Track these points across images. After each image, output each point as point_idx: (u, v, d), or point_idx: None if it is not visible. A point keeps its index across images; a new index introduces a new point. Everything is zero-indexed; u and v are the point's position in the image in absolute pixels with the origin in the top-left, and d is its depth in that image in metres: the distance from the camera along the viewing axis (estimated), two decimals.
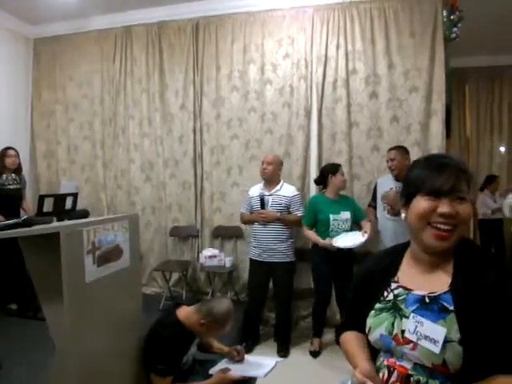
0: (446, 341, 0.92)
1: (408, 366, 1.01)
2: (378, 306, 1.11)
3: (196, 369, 2.29)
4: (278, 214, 3.38)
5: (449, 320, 0.95)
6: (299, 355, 3.39)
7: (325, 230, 3.38)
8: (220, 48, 4.48)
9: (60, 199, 4.25)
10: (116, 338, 1.95)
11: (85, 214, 4.53)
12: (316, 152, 4.16)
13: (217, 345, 2.43)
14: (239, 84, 4.42)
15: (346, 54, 4.05)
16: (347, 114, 4.05)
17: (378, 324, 1.08)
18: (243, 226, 4.24)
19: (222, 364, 2.30)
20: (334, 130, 4.11)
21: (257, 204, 3.46)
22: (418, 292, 1.04)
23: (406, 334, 1.00)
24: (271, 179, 3.50)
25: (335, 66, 4.08)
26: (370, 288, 1.15)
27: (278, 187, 3.50)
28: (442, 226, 0.97)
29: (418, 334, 0.97)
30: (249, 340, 3.47)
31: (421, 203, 1.00)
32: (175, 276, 4.62)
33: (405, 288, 1.07)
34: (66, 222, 2.34)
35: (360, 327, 1.16)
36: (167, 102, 4.70)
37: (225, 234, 4.51)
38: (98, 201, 4.99)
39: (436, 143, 3.88)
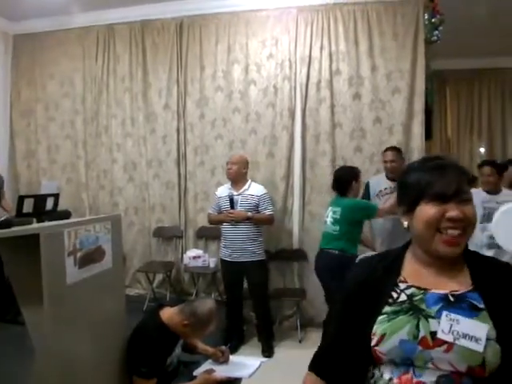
0: (486, 338, 0.87)
1: (430, 379, 0.90)
2: (388, 309, 0.98)
3: (180, 370, 2.28)
4: (249, 213, 3.39)
5: (482, 317, 0.90)
6: (284, 355, 3.39)
7: (357, 238, 3.27)
8: (204, 48, 4.46)
9: (40, 200, 4.16)
10: (99, 341, 1.92)
11: (66, 214, 4.44)
12: (300, 153, 4.18)
13: (201, 346, 2.42)
14: (223, 84, 4.40)
15: (330, 55, 4.08)
16: (331, 115, 4.08)
17: (396, 329, 0.94)
18: None
19: (206, 365, 2.30)
20: (318, 130, 4.13)
21: (225, 204, 3.45)
22: (437, 291, 0.96)
23: (440, 335, 0.90)
24: (237, 179, 3.51)
25: (319, 66, 4.11)
26: (366, 299, 1.02)
27: (246, 187, 3.51)
28: (452, 232, 0.92)
29: (455, 333, 0.88)
30: (233, 340, 3.47)
31: (427, 210, 0.94)
32: (159, 277, 4.58)
33: (418, 288, 0.98)
34: (46, 224, 2.30)
35: (345, 353, 1.04)
36: (150, 102, 4.65)
37: (209, 235, 4.48)
38: (80, 201, 4.91)
39: (417, 144, 3.94)
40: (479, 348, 0.86)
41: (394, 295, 0.99)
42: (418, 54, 3.92)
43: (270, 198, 3.66)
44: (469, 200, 0.95)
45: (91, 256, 1.89)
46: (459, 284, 0.96)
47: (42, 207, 4.14)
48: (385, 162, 3.51)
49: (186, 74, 4.53)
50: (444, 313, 0.92)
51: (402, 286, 1.00)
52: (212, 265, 4.26)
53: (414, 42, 3.91)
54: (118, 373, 2.06)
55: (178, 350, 2.23)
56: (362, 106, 4.03)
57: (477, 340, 0.86)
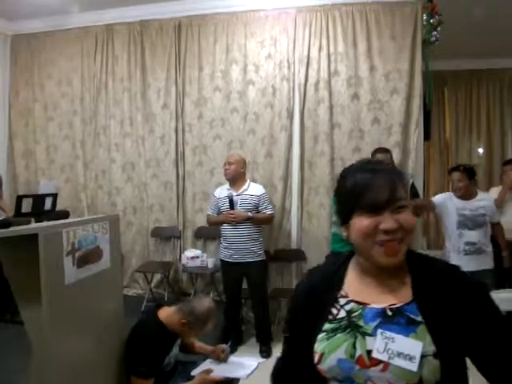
0: (422, 355, 0.83)
1: None
2: (328, 326, 0.94)
3: (178, 370, 2.28)
4: (249, 213, 3.38)
5: (420, 332, 0.86)
6: None
7: None
8: (202, 48, 4.46)
9: (39, 200, 4.18)
10: (97, 341, 1.93)
11: (65, 214, 4.45)
12: (298, 153, 4.18)
13: (199, 345, 2.43)
14: (222, 84, 4.41)
15: (329, 56, 4.08)
16: (329, 116, 4.09)
17: (333, 348, 0.91)
18: None
19: (205, 365, 2.30)
20: (316, 131, 4.14)
21: (225, 205, 3.44)
22: (376, 305, 0.92)
23: (375, 354, 0.86)
24: (235, 179, 3.50)
25: (317, 67, 4.12)
26: (309, 315, 0.98)
27: (245, 186, 3.49)
28: (388, 243, 0.87)
29: (390, 352, 0.85)
30: (231, 341, 3.46)
31: (361, 222, 0.89)
32: (157, 277, 4.58)
33: (358, 302, 0.94)
34: (45, 223, 2.30)
35: (300, 360, 0.99)
36: (149, 102, 4.66)
37: (207, 235, 4.49)
38: (79, 201, 4.91)
39: (415, 145, 3.96)
40: (413, 367, 0.82)
41: (334, 311, 0.95)
42: (417, 55, 3.93)
43: (269, 198, 3.66)
44: (404, 207, 0.89)
45: (89, 256, 1.89)
46: (399, 296, 0.91)
47: (41, 207, 4.15)
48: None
49: (185, 74, 4.54)
50: (379, 331, 0.88)
51: (342, 301, 0.96)
52: (210, 265, 4.25)
53: (413, 43, 3.92)
54: (117, 372, 2.07)
55: (175, 350, 2.23)
56: (361, 107, 4.04)
57: (411, 359, 0.83)
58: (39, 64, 5.03)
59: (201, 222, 4.52)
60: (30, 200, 4.07)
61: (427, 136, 4.18)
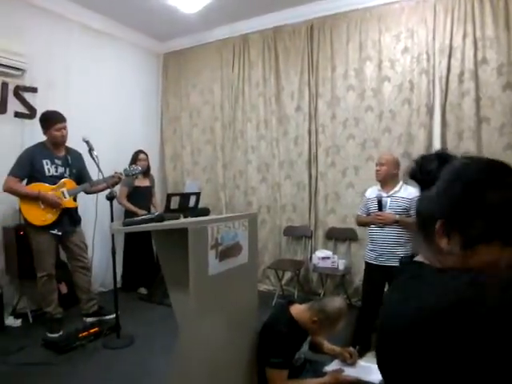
0: None
1: None
2: None
3: (306, 368, 2.30)
4: (397, 216, 3.22)
5: None
6: None
7: None
8: (335, 47, 4.44)
9: (185, 198, 4.64)
10: (233, 329, 2.05)
11: (206, 211, 4.87)
12: None
13: (328, 345, 2.42)
14: (355, 83, 4.33)
15: (475, 43, 3.70)
16: (476, 110, 3.70)
17: None
18: (358, 229, 4.14)
19: (334, 364, 2.29)
20: (461, 127, 3.79)
21: (374, 206, 3.34)
22: None
23: None
24: (386, 180, 3.35)
25: (461, 56, 3.76)
26: None
27: (397, 188, 3.32)
28: None
29: None
30: (359, 346, 3.37)
31: None
32: (288, 275, 4.69)
33: None
34: (192, 219, 2.54)
35: None
36: (283, 105, 4.81)
37: (338, 236, 4.45)
38: (218, 200, 5.32)
39: None
40: None
41: None
42: None
43: None
44: None
45: (230, 251, 2.03)
46: None
47: (186, 204, 4.61)
48: None
49: (318, 75, 4.57)
50: None
51: None
52: (341, 267, 4.20)
53: None
54: (249, 361, 2.17)
55: (305, 347, 2.26)
56: None
57: None
58: (185, 76, 5.58)
59: (332, 222, 4.50)
60: (177, 198, 4.54)
61: None
